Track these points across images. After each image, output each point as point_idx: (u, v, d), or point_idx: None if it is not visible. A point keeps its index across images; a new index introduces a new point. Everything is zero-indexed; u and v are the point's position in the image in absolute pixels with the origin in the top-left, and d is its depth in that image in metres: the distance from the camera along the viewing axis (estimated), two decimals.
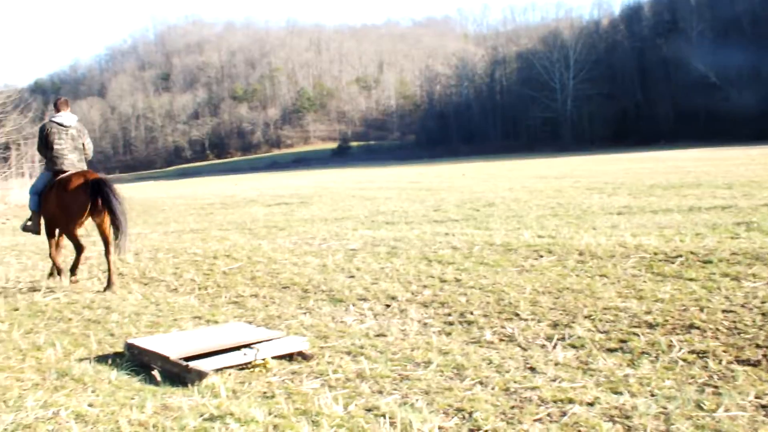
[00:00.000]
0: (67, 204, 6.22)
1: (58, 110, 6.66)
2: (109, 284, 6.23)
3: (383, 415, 2.93)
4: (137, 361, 3.91)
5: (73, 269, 6.71)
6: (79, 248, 6.55)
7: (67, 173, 6.44)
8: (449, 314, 4.65)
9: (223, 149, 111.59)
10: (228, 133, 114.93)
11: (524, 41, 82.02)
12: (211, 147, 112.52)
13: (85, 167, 6.69)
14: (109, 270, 6.31)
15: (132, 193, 28.73)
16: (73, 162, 6.58)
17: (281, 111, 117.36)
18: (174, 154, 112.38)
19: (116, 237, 6.09)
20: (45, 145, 6.58)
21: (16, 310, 5.62)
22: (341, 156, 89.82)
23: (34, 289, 6.42)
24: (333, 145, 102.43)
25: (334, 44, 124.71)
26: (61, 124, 6.59)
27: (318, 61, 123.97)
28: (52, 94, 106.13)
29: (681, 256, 5.86)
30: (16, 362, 4.12)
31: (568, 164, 29.02)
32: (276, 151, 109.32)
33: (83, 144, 6.74)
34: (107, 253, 6.35)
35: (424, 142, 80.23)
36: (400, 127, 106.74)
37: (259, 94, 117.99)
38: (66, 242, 6.81)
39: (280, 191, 22.21)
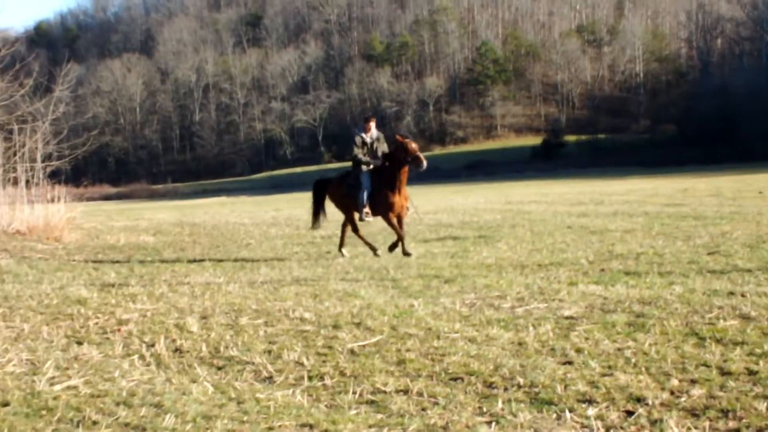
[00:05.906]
0: None
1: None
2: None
3: None
4: None
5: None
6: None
7: None
8: (737, 431, 4.78)
9: (346, 144, 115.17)
10: (356, 118, 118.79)
11: None
12: (326, 141, 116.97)
13: None
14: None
15: (194, 217, 30.30)
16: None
17: (448, 82, 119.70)
18: (264, 152, 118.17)
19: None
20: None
21: (6, 405, 5.85)
22: (547, 159, 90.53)
23: (35, 372, 6.69)
24: (535, 140, 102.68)
25: None
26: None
27: None
28: (63, 46, 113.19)
29: None
30: None
31: None
32: (438, 150, 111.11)
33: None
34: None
35: (693, 136, 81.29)
36: (650, 112, 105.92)
37: (412, 52, 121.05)
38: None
39: (443, 216, 22.66)
